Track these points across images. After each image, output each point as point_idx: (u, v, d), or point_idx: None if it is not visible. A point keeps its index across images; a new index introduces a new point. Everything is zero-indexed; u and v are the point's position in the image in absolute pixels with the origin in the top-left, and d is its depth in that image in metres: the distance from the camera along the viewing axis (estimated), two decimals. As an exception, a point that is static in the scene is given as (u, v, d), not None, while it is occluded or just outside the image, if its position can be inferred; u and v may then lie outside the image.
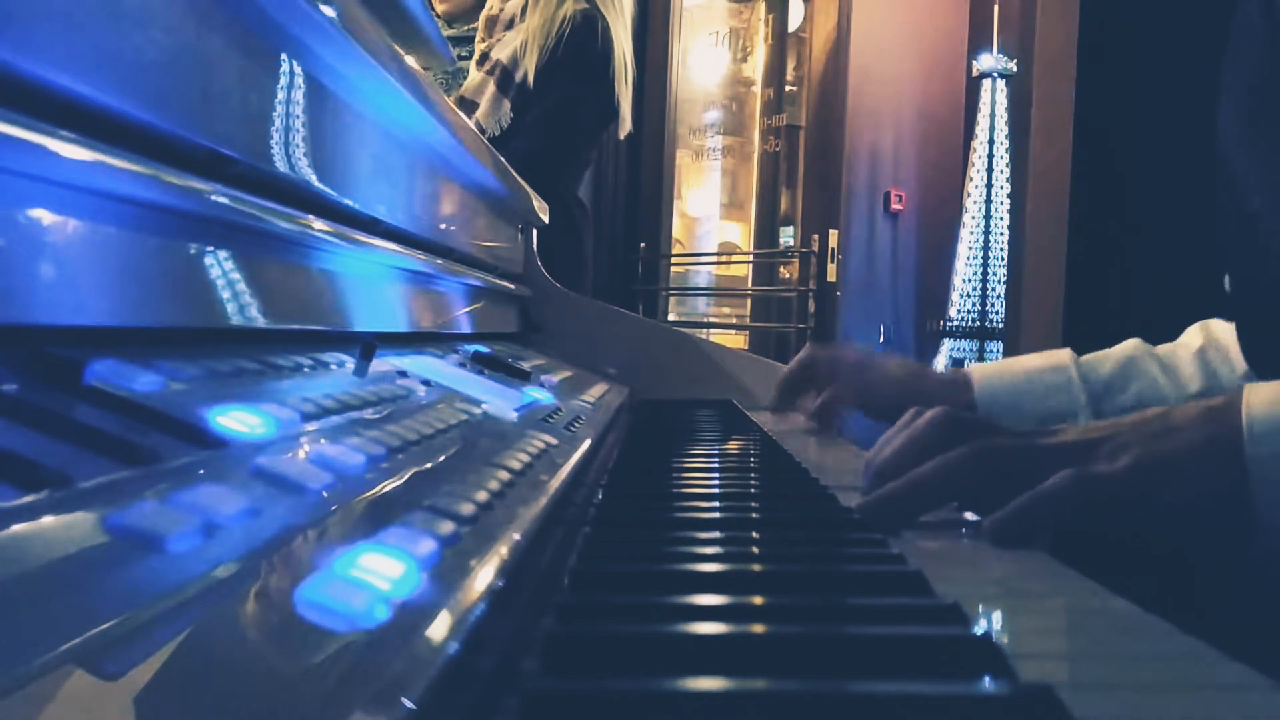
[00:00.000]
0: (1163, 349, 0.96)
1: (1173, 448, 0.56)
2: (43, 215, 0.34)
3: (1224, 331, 0.95)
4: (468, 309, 1.05)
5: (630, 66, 2.38)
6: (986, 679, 0.32)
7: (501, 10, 2.38)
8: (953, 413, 0.64)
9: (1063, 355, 0.97)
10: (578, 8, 2.27)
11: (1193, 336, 0.97)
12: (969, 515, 0.61)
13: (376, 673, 0.25)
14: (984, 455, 0.59)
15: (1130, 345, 0.97)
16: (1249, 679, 0.34)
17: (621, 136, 2.52)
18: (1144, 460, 0.56)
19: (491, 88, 2.29)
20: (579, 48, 2.25)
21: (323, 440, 0.42)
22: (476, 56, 2.39)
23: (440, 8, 2.56)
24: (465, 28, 2.56)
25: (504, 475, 0.49)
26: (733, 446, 0.95)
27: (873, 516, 0.58)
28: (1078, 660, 0.38)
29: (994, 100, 4.12)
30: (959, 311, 4.33)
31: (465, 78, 2.41)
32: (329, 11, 0.55)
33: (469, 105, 2.28)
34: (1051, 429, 0.63)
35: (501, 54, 2.31)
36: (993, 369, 0.99)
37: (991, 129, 4.13)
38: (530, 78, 2.25)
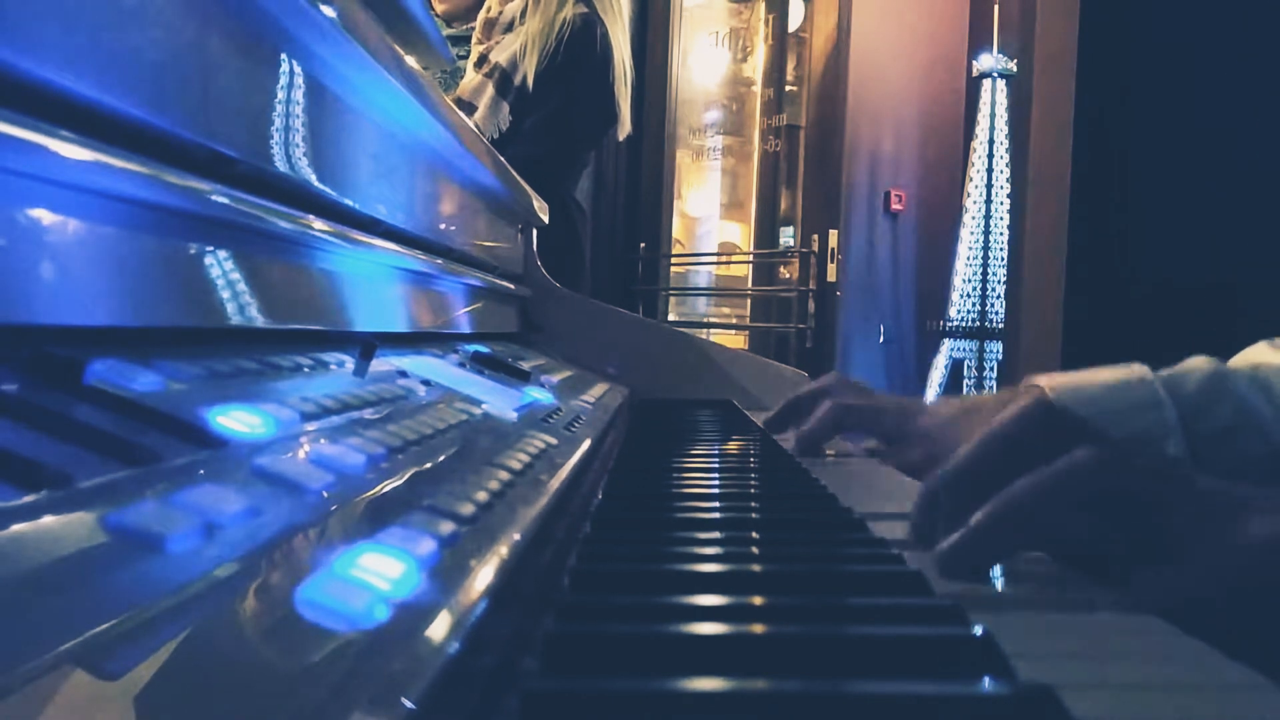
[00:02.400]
0: (1241, 364, 0.85)
1: None
2: (43, 215, 0.34)
3: None
4: (468, 309, 1.05)
5: (629, 70, 2.39)
6: (986, 679, 0.32)
7: (500, 13, 2.38)
8: (1050, 403, 0.51)
9: (1138, 368, 0.84)
10: (577, 11, 2.27)
11: (1266, 353, 0.85)
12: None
13: (376, 673, 0.25)
14: (1115, 467, 0.45)
15: (1203, 361, 0.84)
16: (1249, 679, 0.34)
17: (621, 139, 2.52)
18: None
19: (490, 91, 2.29)
20: (578, 51, 2.26)
21: (323, 440, 0.42)
22: (474, 58, 2.39)
23: (439, 8, 2.56)
24: (464, 27, 2.56)
25: (504, 475, 0.49)
26: (733, 447, 0.95)
27: (960, 561, 0.45)
28: (1077, 660, 0.38)
29: (994, 100, 4.13)
30: (959, 311, 4.33)
31: (463, 77, 2.42)
32: (329, 11, 0.55)
33: (466, 107, 2.28)
34: (1185, 470, 0.49)
35: (500, 57, 2.31)
36: (1064, 380, 0.84)
37: (991, 129, 4.14)
38: (529, 81, 2.25)
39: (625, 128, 2.43)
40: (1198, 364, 0.83)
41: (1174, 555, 0.43)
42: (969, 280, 4.28)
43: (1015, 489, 0.45)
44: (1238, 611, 0.42)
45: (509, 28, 2.35)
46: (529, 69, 2.26)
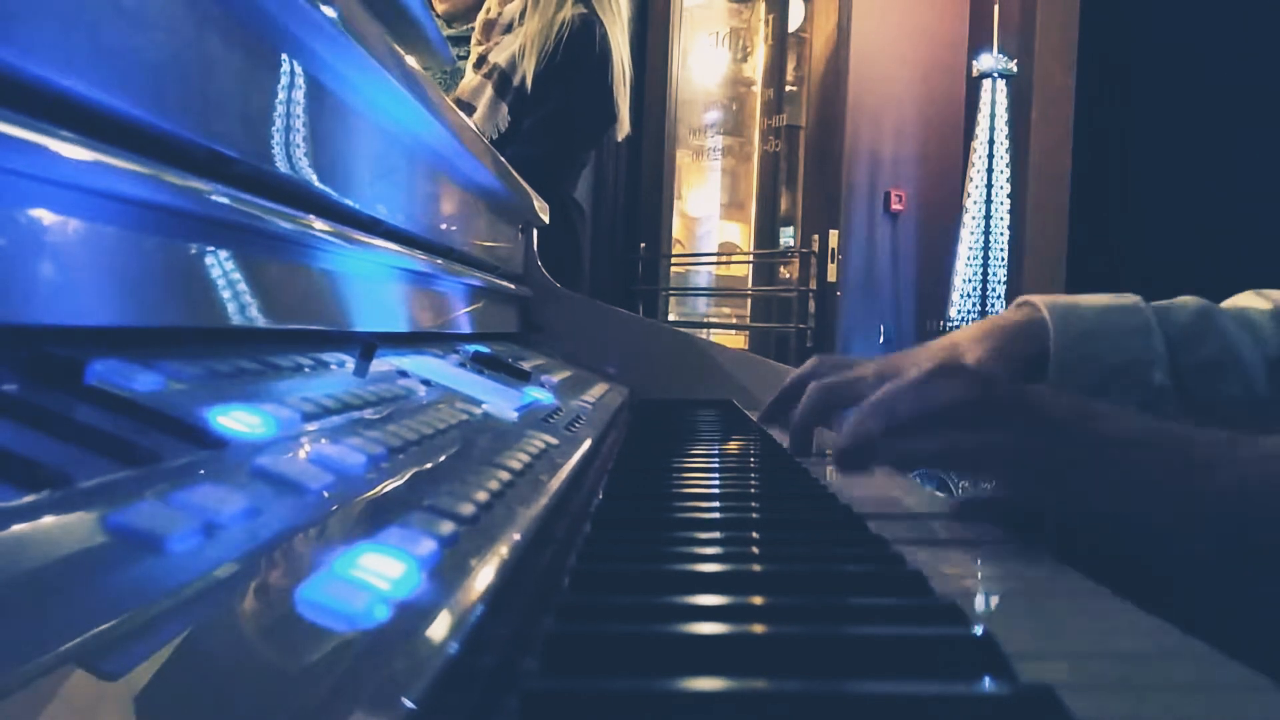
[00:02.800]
0: (1228, 306, 0.86)
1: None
2: (43, 215, 0.34)
3: None
4: (468, 309, 1.05)
5: (628, 70, 2.39)
6: (986, 679, 0.32)
7: (499, 14, 2.38)
8: (976, 372, 0.57)
9: (1132, 296, 0.85)
10: (576, 12, 2.27)
11: (1254, 299, 0.87)
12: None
13: (376, 673, 0.25)
14: (972, 380, 0.53)
15: (1192, 298, 0.86)
16: (1249, 679, 0.34)
17: (620, 139, 2.52)
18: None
19: (489, 91, 2.29)
20: (577, 52, 2.26)
21: (323, 440, 0.42)
22: (473, 59, 2.39)
23: (439, 8, 2.56)
24: (463, 28, 2.56)
25: (504, 475, 0.49)
26: (732, 446, 0.95)
27: (847, 458, 0.55)
28: (1077, 660, 0.38)
29: (994, 100, 4.12)
30: (959, 311, 4.33)
31: (462, 78, 2.42)
32: (329, 11, 0.55)
33: (465, 107, 2.29)
34: (1103, 410, 0.55)
35: (499, 58, 2.31)
36: (1060, 299, 0.85)
37: (991, 129, 4.14)
38: (528, 82, 2.25)
39: (624, 128, 2.43)
40: (1188, 300, 0.84)
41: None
42: (969, 280, 4.28)
43: (886, 394, 0.54)
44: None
45: (508, 29, 2.35)
46: (528, 69, 2.26)
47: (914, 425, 0.56)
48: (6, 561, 0.22)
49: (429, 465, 0.47)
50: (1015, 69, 3.96)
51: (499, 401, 0.74)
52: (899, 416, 0.55)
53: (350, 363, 0.59)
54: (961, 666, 0.33)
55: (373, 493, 0.39)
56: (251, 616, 0.27)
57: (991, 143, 4.15)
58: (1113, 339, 0.80)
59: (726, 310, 5.12)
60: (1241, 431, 0.52)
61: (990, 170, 4.15)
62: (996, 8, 4.13)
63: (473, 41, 2.43)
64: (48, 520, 0.25)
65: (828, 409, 0.90)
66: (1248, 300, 0.86)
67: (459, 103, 2.31)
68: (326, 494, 0.36)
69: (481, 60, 2.36)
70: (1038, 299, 0.84)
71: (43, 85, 0.34)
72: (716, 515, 0.59)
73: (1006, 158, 4.10)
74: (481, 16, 2.42)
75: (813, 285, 4.12)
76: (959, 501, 0.53)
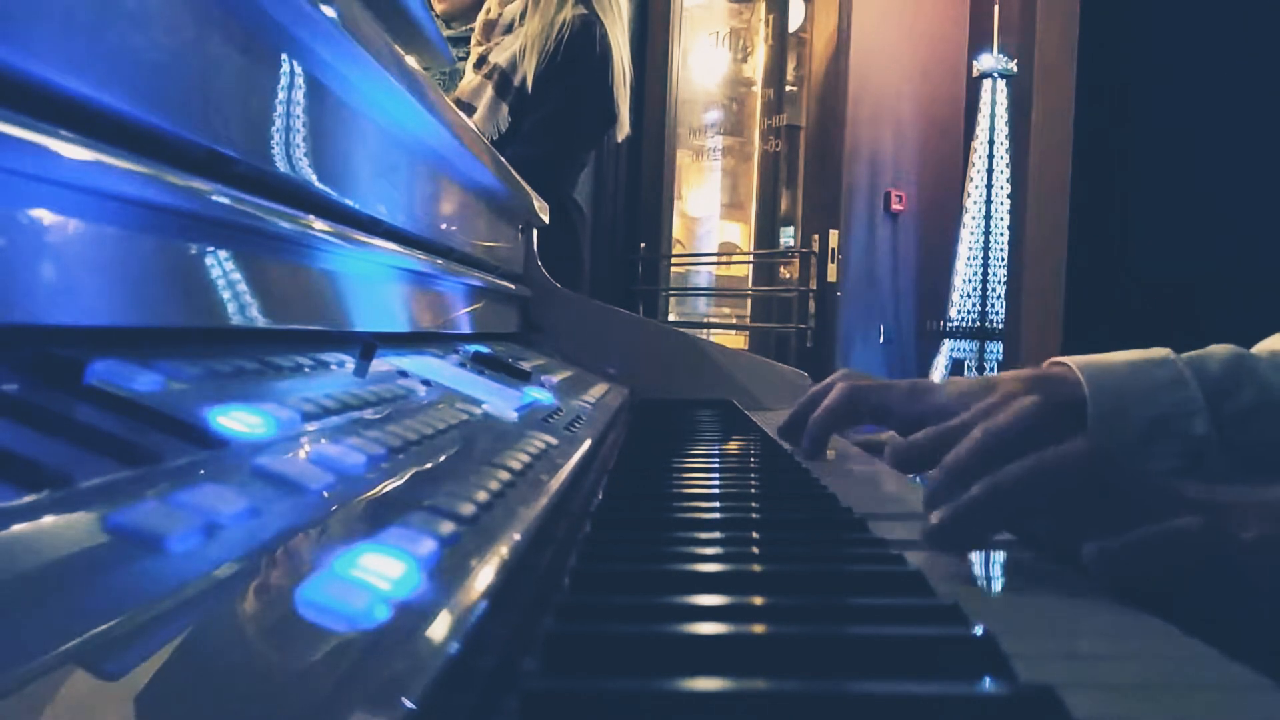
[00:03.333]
0: (1261, 351, 0.85)
1: None
2: (43, 215, 0.34)
3: None
4: (468, 309, 1.05)
5: (628, 70, 2.39)
6: (986, 679, 0.32)
7: (500, 15, 2.38)
8: (1051, 399, 0.53)
9: (1161, 350, 0.84)
10: (576, 12, 2.28)
11: None
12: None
13: (376, 673, 0.25)
14: (1100, 460, 0.48)
15: (1224, 346, 0.85)
16: (1249, 679, 0.34)
17: (620, 140, 2.52)
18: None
19: (489, 92, 2.29)
20: (577, 52, 2.26)
21: (323, 440, 0.42)
22: (473, 59, 2.39)
23: (438, 8, 2.56)
24: (463, 28, 2.56)
25: (504, 475, 0.49)
26: (733, 447, 0.95)
27: (947, 536, 0.48)
28: (1077, 660, 0.38)
29: (994, 100, 4.12)
30: (959, 311, 4.33)
31: (461, 78, 2.42)
32: (329, 11, 0.55)
33: (465, 108, 2.29)
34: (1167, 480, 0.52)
35: (499, 58, 2.31)
36: (1090, 361, 0.83)
37: (991, 129, 4.14)
38: (529, 82, 2.25)
39: (624, 129, 2.43)
40: (1220, 349, 0.83)
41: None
42: (969, 280, 4.28)
43: (1006, 472, 0.48)
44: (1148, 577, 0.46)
45: (508, 29, 2.35)
46: (528, 70, 2.26)
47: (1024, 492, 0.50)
48: (6, 561, 0.22)
49: (429, 465, 0.47)
50: (1015, 69, 3.96)
51: (499, 401, 0.74)
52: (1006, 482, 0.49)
53: (350, 363, 0.59)
54: (962, 666, 0.33)
55: (373, 493, 0.39)
56: (251, 616, 0.27)
57: (991, 143, 4.15)
58: (1147, 392, 0.80)
59: (726, 310, 5.12)
60: None
61: (990, 170, 4.15)
62: (996, 8, 4.13)
63: (473, 42, 2.43)
64: (48, 520, 0.25)
65: (852, 413, 0.88)
66: (1278, 343, 0.85)
67: (459, 103, 2.31)
68: (326, 494, 0.36)
69: (481, 61, 2.36)
70: (1068, 360, 0.84)
71: (43, 85, 0.34)
72: (717, 515, 0.59)
73: (1006, 158, 4.10)
74: (482, 17, 2.42)
75: (813, 285, 4.12)
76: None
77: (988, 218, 4.16)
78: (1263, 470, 0.75)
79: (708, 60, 4.95)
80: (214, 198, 0.46)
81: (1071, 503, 0.48)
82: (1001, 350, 3.94)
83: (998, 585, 0.50)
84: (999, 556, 0.53)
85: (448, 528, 0.37)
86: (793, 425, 0.92)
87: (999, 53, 4.10)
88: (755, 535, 0.54)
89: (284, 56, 0.56)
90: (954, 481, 0.51)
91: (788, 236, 4.58)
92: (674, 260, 4.73)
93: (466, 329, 1.03)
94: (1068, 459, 0.48)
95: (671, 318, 4.70)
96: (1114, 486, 0.48)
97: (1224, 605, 0.46)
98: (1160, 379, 0.80)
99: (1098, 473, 0.48)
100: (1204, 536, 0.45)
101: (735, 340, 4.70)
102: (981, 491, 0.48)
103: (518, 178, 1.26)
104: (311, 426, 0.43)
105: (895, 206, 4.27)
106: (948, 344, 4.35)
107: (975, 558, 0.53)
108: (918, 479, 0.82)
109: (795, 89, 4.58)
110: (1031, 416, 0.52)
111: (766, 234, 4.76)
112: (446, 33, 2.55)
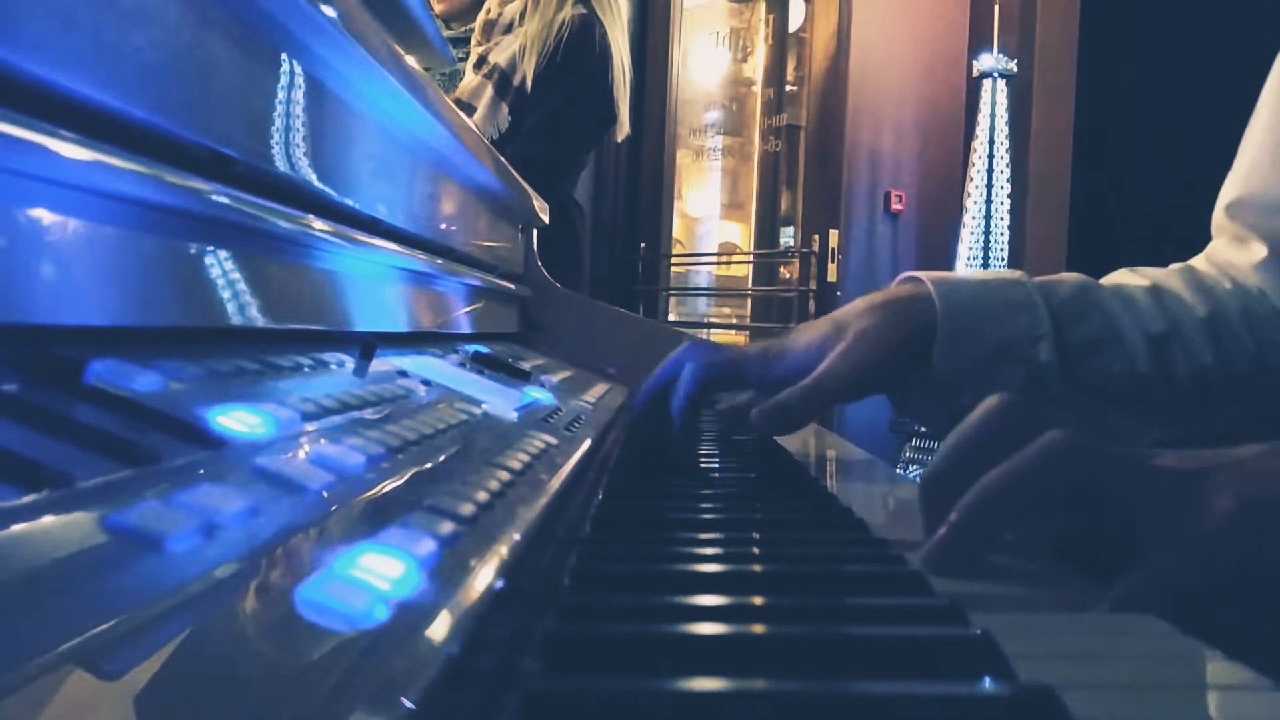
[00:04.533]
0: (1107, 283, 0.85)
1: None
2: (43, 215, 0.34)
3: (1164, 275, 0.85)
4: (468, 309, 1.05)
5: (628, 70, 2.39)
6: (986, 679, 0.32)
7: (499, 15, 2.38)
8: (1012, 401, 0.50)
9: (1015, 271, 0.84)
10: (576, 12, 2.28)
11: (1130, 277, 0.85)
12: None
13: (376, 673, 0.25)
14: (1072, 452, 0.45)
15: (1075, 275, 0.85)
16: (1249, 679, 0.34)
17: (619, 140, 2.53)
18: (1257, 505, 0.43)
19: (489, 92, 2.29)
20: (577, 52, 2.26)
21: (323, 440, 0.42)
22: (473, 60, 2.39)
23: (438, 8, 2.57)
24: (463, 28, 2.56)
25: (504, 475, 0.49)
26: (732, 445, 0.95)
27: (941, 562, 0.46)
28: (1078, 660, 0.38)
29: (994, 100, 4.12)
30: (959, 311, 4.32)
31: (462, 79, 2.42)
32: (329, 12, 0.55)
33: (465, 108, 2.29)
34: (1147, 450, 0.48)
35: (499, 58, 2.31)
36: (943, 277, 0.82)
37: (991, 129, 4.13)
38: (529, 82, 2.25)
39: (624, 129, 2.43)
40: (1069, 276, 0.84)
41: (1141, 547, 0.44)
42: (969, 280, 4.27)
43: (986, 483, 0.46)
44: (1214, 597, 0.42)
45: (508, 29, 2.35)
46: (528, 70, 2.26)
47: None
48: (6, 561, 0.22)
49: (429, 465, 0.47)
50: (1015, 69, 3.96)
51: (499, 401, 0.74)
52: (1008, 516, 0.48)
53: (350, 363, 0.59)
54: (962, 666, 0.33)
55: (373, 493, 0.39)
56: (251, 616, 0.27)
57: (991, 143, 4.14)
58: (997, 313, 0.79)
59: (727, 310, 5.12)
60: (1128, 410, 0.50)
61: (990, 170, 4.14)
62: (996, 8, 4.13)
63: (473, 42, 2.43)
64: (48, 520, 0.25)
65: (709, 390, 0.89)
66: (1124, 278, 0.86)
67: (459, 103, 2.31)
68: (326, 494, 0.36)
69: (481, 61, 2.36)
70: (923, 275, 0.83)
71: (43, 85, 0.34)
72: (717, 515, 0.59)
73: (1006, 158, 4.10)
74: (481, 17, 2.42)
75: (813, 285, 4.12)
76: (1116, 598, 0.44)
77: (988, 218, 4.16)
78: (1098, 402, 0.75)
79: (708, 60, 4.95)
80: (214, 198, 0.46)
81: (1060, 502, 0.46)
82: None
83: (998, 585, 0.50)
84: (999, 556, 0.53)
85: (448, 528, 0.37)
86: (645, 403, 0.91)
87: (999, 53, 4.10)
88: (755, 535, 0.54)
89: (284, 56, 0.56)
90: (930, 502, 0.50)
91: (788, 236, 4.58)
92: (674, 260, 4.73)
93: (466, 329, 1.03)
94: (1044, 454, 0.45)
95: (671, 318, 4.70)
96: (1099, 474, 0.45)
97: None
98: (1011, 300, 0.80)
99: (1081, 464, 0.45)
100: (1239, 544, 0.42)
101: (735, 340, 4.70)
102: (964, 507, 0.46)
103: (518, 177, 1.26)
104: (311, 426, 0.43)
105: (895, 206, 4.28)
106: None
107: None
108: (916, 479, 0.82)
109: (795, 89, 4.58)
110: (991, 420, 0.50)
111: (766, 234, 4.76)
112: (446, 33, 2.55)
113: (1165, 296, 0.83)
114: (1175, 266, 0.89)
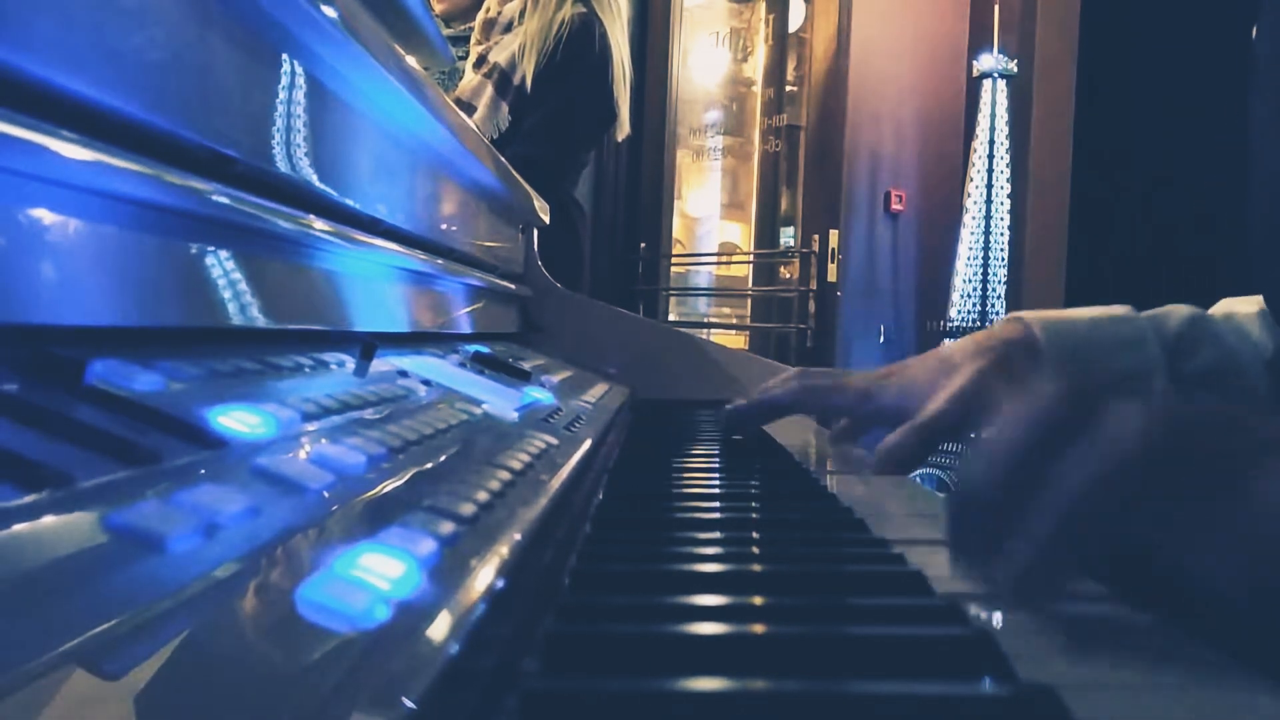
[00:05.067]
0: (1217, 312, 0.83)
1: None
2: (43, 215, 0.34)
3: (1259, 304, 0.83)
4: (468, 309, 1.05)
5: (628, 70, 2.39)
6: (986, 679, 0.32)
7: (499, 14, 2.38)
8: (1068, 385, 0.40)
9: (1121, 307, 0.82)
10: (575, 11, 2.28)
11: (1237, 304, 0.84)
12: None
13: (376, 673, 0.25)
14: (1173, 422, 0.38)
15: (1183, 307, 0.83)
16: (1250, 680, 0.34)
17: (619, 139, 2.53)
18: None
19: (489, 91, 2.29)
20: (577, 51, 2.26)
21: (323, 440, 0.42)
22: (473, 59, 2.39)
23: (438, 7, 2.56)
24: (462, 27, 2.56)
25: (504, 475, 0.49)
26: (733, 446, 0.95)
27: (1032, 588, 0.38)
28: (1078, 660, 0.38)
29: (994, 100, 4.12)
30: (959, 312, 4.33)
31: (461, 78, 2.42)
32: (330, 12, 0.55)
33: (465, 107, 2.29)
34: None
35: (499, 57, 2.31)
36: (1051, 315, 0.80)
37: (991, 129, 4.13)
38: (528, 82, 2.25)
39: (624, 128, 2.43)
40: (1178, 308, 0.82)
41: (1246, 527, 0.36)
42: (969, 280, 4.27)
43: (1070, 486, 0.37)
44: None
45: (508, 28, 2.35)
46: (528, 69, 2.26)
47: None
48: (6, 561, 0.22)
49: (429, 465, 0.47)
50: (1015, 69, 3.96)
51: (499, 401, 0.74)
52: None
53: (350, 363, 0.59)
54: (962, 666, 0.33)
55: (373, 493, 0.39)
56: (252, 616, 0.27)
57: (992, 143, 4.14)
58: (1107, 351, 0.78)
59: (727, 310, 5.12)
60: None
61: (990, 170, 4.14)
62: (996, 8, 4.12)
63: (472, 41, 2.43)
64: (48, 520, 0.25)
65: (798, 407, 0.89)
66: (1231, 305, 0.85)
67: (459, 103, 2.31)
68: (326, 494, 0.36)
69: (481, 60, 2.36)
70: (1027, 315, 0.82)
71: (43, 85, 0.34)
72: (717, 515, 0.59)
73: (1006, 158, 4.10)
74: (481, 16, 2.42)
75: (813, 285, 4.12)
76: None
77: (988, 218, 4.16)
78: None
79: (708, 60, 4.95)
80: (214, 198, 0.46)
81: (1149, 488, 0.37)
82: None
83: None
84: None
85: (448, 528, 0.37)
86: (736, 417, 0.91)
87: (999, 53, 4.10)
88: (755, 535, 0.54)
89: (284, 56, 0.56)
90: (986, 516, 0.40)
91: (788, 236, 4.58)
92: (674, 260, 4.73)
93: (466, 329, 1.03)
94: (1129, 434, 0.36)
95: (671, 318, 4.70)
96: (1191, 445, 0.37)
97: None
98: (1121, 336, 0.79)
99: (1163, 437, 0.37)
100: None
101: (735, 340, 4.70)
102: (1053, 520, 0.37)
103: (518, 177, 1.26)
104: (311, 426, 0.43)
105: (895, 206, 4.27)
106: (948, 344, 4.35)
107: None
108: (916, 478, 0.82)
109: (795, 89, 4.58)
110: (1046, 410, 0.40)
111: (766, 234, 4.75)
112: (446, 32, 2.55)
113: (1271, 321, 0.81)
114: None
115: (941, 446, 0.80)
